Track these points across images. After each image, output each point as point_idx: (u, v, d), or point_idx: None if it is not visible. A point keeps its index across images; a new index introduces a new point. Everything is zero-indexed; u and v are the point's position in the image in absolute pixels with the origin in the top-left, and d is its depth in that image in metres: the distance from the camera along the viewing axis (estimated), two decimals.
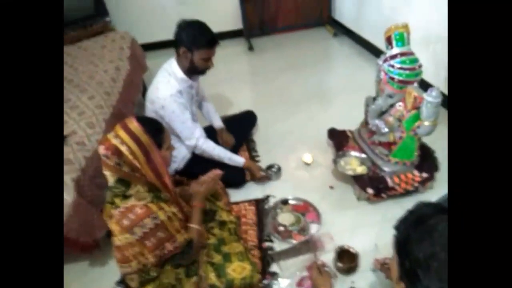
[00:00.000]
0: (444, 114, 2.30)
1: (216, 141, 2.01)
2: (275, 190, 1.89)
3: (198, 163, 1.87)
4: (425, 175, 1.66)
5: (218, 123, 2.11)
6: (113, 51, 2.49)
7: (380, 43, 3.01)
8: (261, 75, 3.33)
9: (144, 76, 2.76)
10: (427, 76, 2.50)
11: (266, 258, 1.53)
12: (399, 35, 1.50)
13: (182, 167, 1.92)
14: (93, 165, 1.50)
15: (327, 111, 2.53)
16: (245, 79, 3.20)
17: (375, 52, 3.07)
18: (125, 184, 1.14)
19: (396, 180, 1.65)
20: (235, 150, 2.09)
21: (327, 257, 1.47)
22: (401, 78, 1.50)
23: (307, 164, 2.02)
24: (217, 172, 1.48)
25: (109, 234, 1.19)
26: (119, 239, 1.13)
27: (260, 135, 2.37)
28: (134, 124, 1.14)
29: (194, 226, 1.30)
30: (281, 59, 3.47)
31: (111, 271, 1.49)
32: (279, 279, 1.44)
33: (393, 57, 1.52)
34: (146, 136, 1.13)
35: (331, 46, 3.71)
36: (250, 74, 3.32)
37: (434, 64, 2.31)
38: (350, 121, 2.07)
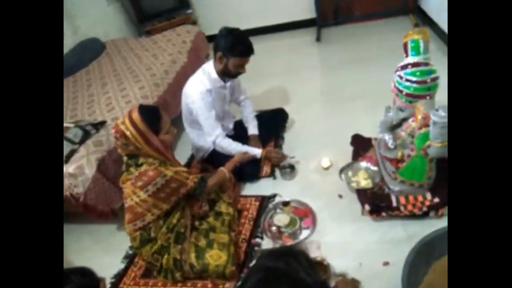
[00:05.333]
0: None
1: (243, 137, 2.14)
2: (284, 190, 1.92)
3: (220, 153, 2.03)
4: (436, 200, 1.47)
5: (252, 131, 2.19)
6: (176, 44, 2.80)
7: None
8: (320, 69, 3.26)
9: None
10: None
11: (250, 253, 1.62)
12: (414, 43, 1.34)
13: (207, 156, 2.11)
14: None
15: (372, 114, 2.35)
16: (303, 72, 3.16)
17: None
18: (134, 158, 1.46)
19: (403, 200, 1.51)
20: (263, 146, 2.19)
21: None
22: (408, 92, 1.35)
23: (324, 169, 1.98)
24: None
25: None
26: (131, 199, 1.45)
27: (292, 133, 2.38)
28: (135, 114, 1.43)
29: (223, 169, 1.76)
30: (347, 52, 3.30)
31: None
32: None
33: (403, 67, 1.37)
34: (143, 124, 1.41)
35: None
36: (309, 67, 3.26)
37: None
38: None
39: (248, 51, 1.79)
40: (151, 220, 1.47)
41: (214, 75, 1.89)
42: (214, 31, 3.71)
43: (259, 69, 3.49)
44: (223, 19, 3.90)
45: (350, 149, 1.99)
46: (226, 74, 1.89)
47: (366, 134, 2.02)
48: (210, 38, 3.60)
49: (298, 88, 2.89)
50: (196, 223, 1.64)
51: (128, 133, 1.40)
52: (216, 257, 1.49)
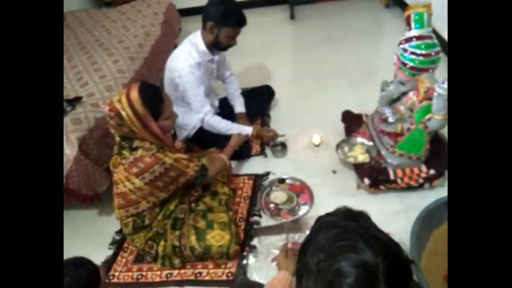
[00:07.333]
0: None
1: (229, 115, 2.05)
2: (276, 168, 1.89)
3: (208, 132, 1.93)
4: (432, 172, 1.53)
5: (239, 108, 2.10)
6: (147, 16, 2.58)
7: (435, 21, 2.67)
8: (297, 47, 3.22)
9: (178, 42, 2.83)
10: None
11: (250, 232, 1.58)
12: (418, 16, 1.34)
13: (192, 135, 2.00)
14: (104, 127, 1.63)
15: (357, 91, 2.38)
16: (280, 50, 3.11)
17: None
18: (128, 140, 1.29)
19: (399, 173, 1.55)
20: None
21: None
22: (413, 65, 1.36)
23: (315, 145, 1.97)
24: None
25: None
26: (124, 186, 1.29)
27: (278, 110, 2.34)
28: (134, 93, 1.24)
29: (223, 156, 1.63)
30: (322, 30, 3.29)
31: (116, 220, 1.68)
32: (256, 253, 1.49)
33: (408, 40, 1.37)
34: (142, 107, 1.23)
35: (381, 19, 3.41)
36: (285, 45, 3.21)
37: None
38: (376, 105, 1.93)
39: (241, 20, 1.69)
40: (145, 208, 1.35)
41: (203, 47, 1.76)
42: (183, 5, 3.55)
43: (234, 47, 3.35)
44: None
45: (339, 125, 2.01)
46: (216, 46, 1.77)
47: (353, 110, 2.04)
48: (180, 12, 3.41)
49: (277, 66, 2.84)
50: (192, 204, 1.55)
51: (124, 114, 1.22)
52: (218, 238, 1.43)
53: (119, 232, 1.65)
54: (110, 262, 1.55)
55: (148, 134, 1.28)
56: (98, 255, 1.58)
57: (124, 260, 1.56)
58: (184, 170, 1.36)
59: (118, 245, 1.62)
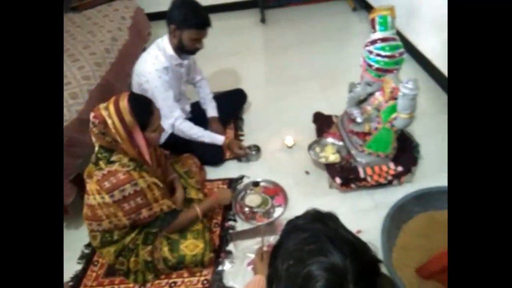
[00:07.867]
0: (436, 105, 2.16)
1: (201, 120, 2.02)
2: (251, 171, 1.89)
3: (180, 137, 1.90)
4: (400, 169, 1.58)
5: (211, 113, 2.07)
6: (114, 20, 2.51)
7: (399, 23, 2.77)
8: (268, 50, 3.24)
9: (147, 46, 2.77)
10: (438, 62, 2.32)
11: (225, 237, 1.56)
12: (382, 19, 1.38)
13: (164, 141, 1.96)
14: (68, 135, 1.57)
15: (327, 93, 2.43)
16: (251, 54, 3.12)
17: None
18: (108, 151, 1.23)
19: (369, 171, 1.59)
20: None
21: None
22: (378, 66, 1.40)
23: (288, 147, 1.99)
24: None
25: (81, 195, 1.29)
26: (94, 198, 1.22)
27: (250, 113, 2.34)
28: (123, 102, 1.19)
29: (197, 209, 1.44)
30: (293, 34, 3.34)
31: (84, 233, 1.60)
32: (232, 259, 1.48)
33: (373, 42, 1.41)
34: (130, 117, 1.18)
35: (348, 22, 3.50)
36: (257, 48, 3.23)
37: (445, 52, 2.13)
38: (345, 106, 1.97)
39: (204, 22, 1.66)
40: (107, 228, 1.29)
41: (170, 51, 1.74)
42: (152, 9, 3.49)
43: (205, 50, 3.30)
44: None
45: (310, 127, 2.03)
46: (182, 49, 1.75)
47: (323, 111, 2.07)
48: (149, 16, 3.34)
49: (249, 70, 2.84)
50: None
51: (110, 121, 1.17)
52: (192, 247, 1.39)
53: (88, 245, 1.59)
54: (79, 277, 1.48)
55: (131, 146, 1.21)
56: (66, 271, 1.51)
57: (94, 274, 1.49)
58: (150, 203, 1.26)
59: (87, 259, 1.56)
